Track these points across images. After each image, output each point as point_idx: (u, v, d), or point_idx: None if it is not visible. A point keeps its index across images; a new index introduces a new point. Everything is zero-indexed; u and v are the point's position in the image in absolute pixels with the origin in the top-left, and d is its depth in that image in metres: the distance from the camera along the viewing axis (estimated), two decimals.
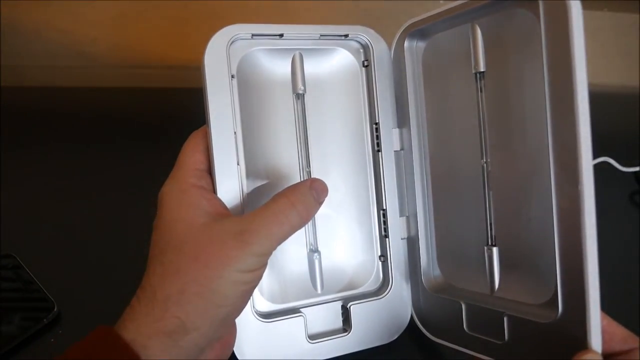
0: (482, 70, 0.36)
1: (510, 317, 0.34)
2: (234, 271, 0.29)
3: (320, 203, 0.34)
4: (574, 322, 0.29)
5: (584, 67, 0.29)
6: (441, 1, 0.73)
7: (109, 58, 0.66)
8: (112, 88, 0.64)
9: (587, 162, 0.29)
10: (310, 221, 0.40)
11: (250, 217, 0.31)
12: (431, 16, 0.38)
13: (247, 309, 0.35)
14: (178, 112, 0.62)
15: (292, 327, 0.37)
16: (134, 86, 0.65)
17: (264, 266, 0.32)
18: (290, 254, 0.40)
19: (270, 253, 0.31)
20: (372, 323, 0.40)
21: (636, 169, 0.63)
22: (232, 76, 0.36)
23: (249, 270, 0.30)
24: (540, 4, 0.31)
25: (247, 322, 0.36)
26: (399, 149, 0.41)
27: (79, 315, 0.43)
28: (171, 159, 0.56)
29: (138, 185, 0.54)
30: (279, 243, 0.32)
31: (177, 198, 0.33)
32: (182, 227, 0.31)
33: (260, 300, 0.37)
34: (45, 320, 0.41)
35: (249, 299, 0.33)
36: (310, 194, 0.33)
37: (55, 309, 0.42)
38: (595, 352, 0.28)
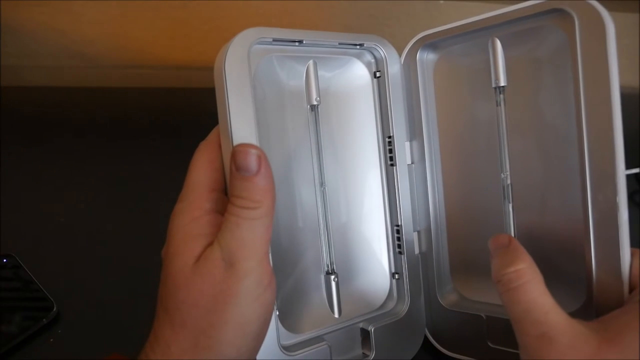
0: (502, 84, 0.36)
1: None
2: (236, 307, 0.27)
3: (258, 172, 0.28)
4: None
5: (617, 82, 0.30)
6: (441, 1, 0.73)
7: (109, 58, 0.66)
8: (112, 88, 0.64)
9: (622, 174, 0.30)
10: (326, 240, 0.38)
11: (219, 235, 0.28)
12: (447, 30, 0.38)
13: (274, 343, 0.33)
14: (178, 112, 0.62)
15: (317, 357, 0.35)
16: (134, 86, 0.65)
17: (267, 289, 0.28)
18: (305, 278, 0.38)
19: (261, 264, 0.28)
20: (391, 344, 0.39)
21: (635, 170, 0.62)
22: (252, 82, 0.33)
23: (250, 299, 0.27)
24: (575, 21, 0.31)
25: (274, 358, 0.33)
26: (410, 163, 0.40)
27: (79, 316, 0.43)
28: (172, 159, 0.56)
29: (138, 185, 0.54)
30: (258, 245, 0.28)
31: (186, 227, 0.29)
32: (178, 266, 0.28)
33: (283, 332, 0.35)
34: (44, 320, 0.41)
35: (264, 337, 0.30)
36: (236, 177, 0.28)
37: (54, 309, 0.42)
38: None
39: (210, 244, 0.28)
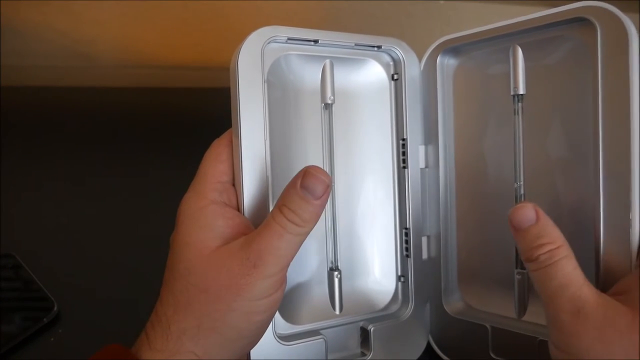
0: (521, 92, 0.36)
1: (543, 343, 0.33)
2: (247, 301, 0.28)
3: (319, 198, 0.29)
4: None
5: (638, 94, 0.29)
6: (441, 1, 0.73)
7: (109, 58, 0.66)
8: (112, 88, 0.64)
9: (636, 190, 0.29)
10: (332, 237, 0.39)
11: (252, 236, 0.29)
12: (469, 35, 0.37)
13: (269, 331, 0.33)
14: (178, 112, 0.62)
15: (312, 350, 0.36)
16: (134, 86, 0.65)
17: (279, 289, 0.29)
18: (309, 272, 0.38)
19: (282, 271, 0.29)
20: (390, 346, 0.38)
21: None
22: (265, 80, 0.34)
23: (262, 296, 0.28)
24: (599, 31, 0.30)
25: (268, 345, 0.34)
26: (424, 167, 0.40)
27: (79, 315, 0.43)
28: (172, 158, 0.56)
29: (138, 184, 0.54)
30: (289, 257, 0.29)
31: (193, 216, 0.31)
32: (191, 254, 0.30)
33: (280, 321, 0.36)
34: (45, 319, 0.41)
35: (267, 327, 0.31)
36: (298, 194, 0.29)
37: (55, 309, 0.42)
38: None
39: (218, 236, 0.30)
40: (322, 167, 0.38)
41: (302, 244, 0.30)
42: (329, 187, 0.30)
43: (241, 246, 0.29)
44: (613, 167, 0.30)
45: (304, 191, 0.29)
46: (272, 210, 0.30)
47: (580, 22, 0.32)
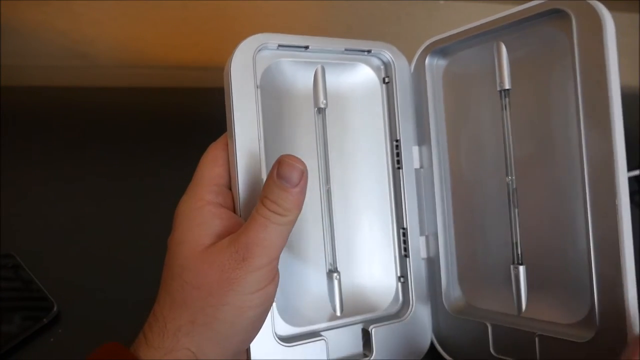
0: (507, 87, 0.36)
1: (542, 338, 0.33)
2: (239, 295, 0.28)
3: (297, 185, 0.29)
4: (611, 339, 0.29)
5: (617, 81, 0.29)
6: (441, 2, 0.73)
7: (109, 58, 0.66)
8: (112, 88, 0.64)
9: (623, 175, 0.29)
10: (329, 239, 0.39)
11: (240, 231, 0.30)
12: (454, 35, 0.38)
13: (269, 332, 0.33)
14: (178, 112, 0.62)
15: (313, 351, 0.36)
16: (134, 86, 0.65)
17: (271, 282, 0.30)
18: (309, 274, 0.38)
19: (272, 262, 0.30)
20: (393, 347, 0.39)
21: (635, 173, 0.61)
22: (257, 86, 0.35)
23: (254, 290, 0.29)
24: (573, 20, 0.31)
25: (268, 346, 0.34)
26: (418, 167, 0.41)
27: (79, 315, 0.43)
28: (172, 158, 0.56)
29: (138, 185, 0.54)
30: (276, 247, 0.30)
31: (189, 217, 0.31)
32: (186, 252, 0.30)
33: (280, 323, 0.36)
34: (45, 319, 0.42)
35: (262, 324, 0.32)
36: (276, 184, 0.29)
37: (55, 309, 0.42)
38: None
39: (213, 234, 0.31)
40: (317, 170, 0.38)
41: (289, 233, 0.30)
42: (304, 173, 0.30)
43: (230, 241, 0.29)
44: (596, 153, 0.30)
45: (281, 180, 0.29)
46: (257, 204, 0.30)
47: (557, 13, 0.32)
